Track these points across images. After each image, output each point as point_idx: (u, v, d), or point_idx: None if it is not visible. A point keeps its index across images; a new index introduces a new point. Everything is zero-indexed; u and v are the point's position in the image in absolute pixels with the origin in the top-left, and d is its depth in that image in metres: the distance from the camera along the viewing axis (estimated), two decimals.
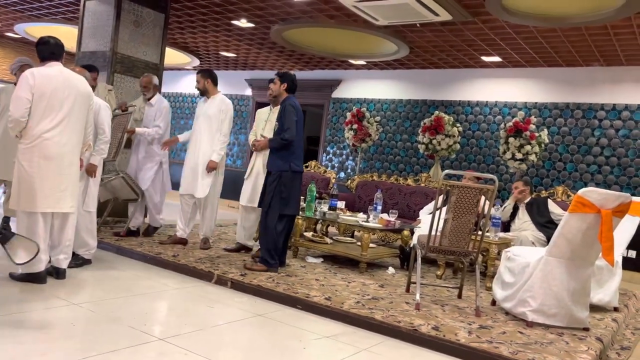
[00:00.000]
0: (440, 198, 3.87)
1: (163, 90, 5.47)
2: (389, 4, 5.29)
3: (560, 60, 6.95)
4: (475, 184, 4.31)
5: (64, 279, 3.69)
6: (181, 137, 5.44)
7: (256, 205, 4.71)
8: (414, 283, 3.94)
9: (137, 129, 5.20)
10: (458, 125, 7.46)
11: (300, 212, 5.05)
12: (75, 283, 3.70)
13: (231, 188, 10.40)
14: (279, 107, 4.81)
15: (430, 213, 4.68)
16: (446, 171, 3.79)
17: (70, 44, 9.02)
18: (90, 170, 3.99)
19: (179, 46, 8.90)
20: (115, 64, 5.93)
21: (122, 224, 5.73)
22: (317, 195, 5.35)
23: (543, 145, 6.69)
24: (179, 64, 10.46)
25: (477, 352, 2.98)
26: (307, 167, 7.64)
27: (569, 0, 5.03)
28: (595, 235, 3.43)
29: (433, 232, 3.78)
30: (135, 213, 5.33)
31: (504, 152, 6.75)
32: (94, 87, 5.07)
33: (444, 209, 3.85)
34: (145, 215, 5.59)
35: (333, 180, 7.20)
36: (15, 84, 3.93)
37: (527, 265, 3.68)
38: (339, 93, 9.23)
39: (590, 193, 3.40)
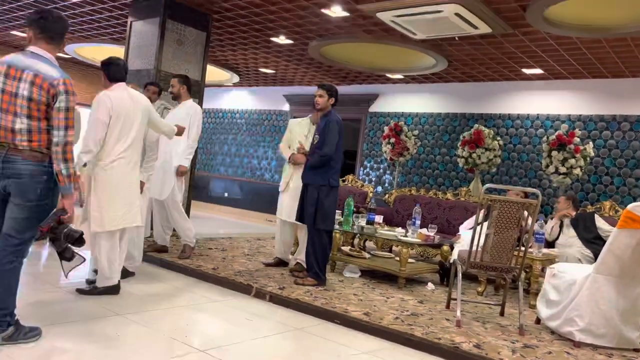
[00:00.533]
0: (482, 212, 3.79)
1: (204, 106, 5.59)
2: (427, 18, 5.28)
3: (606, 72, 6.75)
4: (520, 198, 4.22)
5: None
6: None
7: (293, 219, 4.72)
8: (455, 299, 3.86)
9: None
10: (498, 138, 7.32)
11: (338, 226, 5.05)
12: (119, 295, 3.80)
13: (269, 202, 10.52)
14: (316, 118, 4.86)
15: (471, 228, 4.61)
16: (487, 185, 3.72)
17: None
18: (141, 187, 4.10)
19: (219, 63, 9.13)
20: (159, 82, 6.11)
21: None
22: (354, 209, 5.33)
23: (588, 159, 6.49)
24: (219, 81, 10.71)
25: None
26: (344, 181, 7.65)
27: (613, 10, 4.90)
28: None
29: (474, 248, 3.70)
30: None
31: (547, 166, 6.57)
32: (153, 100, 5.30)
33: (485, 224, 3.78)
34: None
35: (370, 195, 7.17)
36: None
37: (573, 283, 3.55)
38: (377, 107, 9.23)
39: None
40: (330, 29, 6.38)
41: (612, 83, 7.03)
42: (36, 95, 2.46)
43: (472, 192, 6.97)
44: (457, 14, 5.07)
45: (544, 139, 6.75)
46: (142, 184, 4.11)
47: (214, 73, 9.70)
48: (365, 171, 9.26)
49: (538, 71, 7.07)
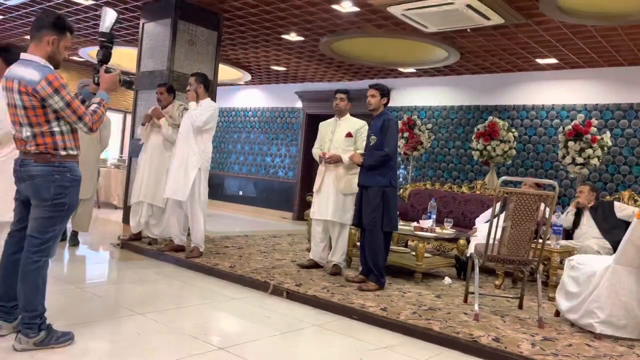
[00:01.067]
0: (498, 205, 3.76)
1: (218, 105, 5.58)
2: (438, 11, 5.24)
3: (622, 60, 6.64)
4: (534, 190, 4.18)
5: None
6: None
7: (325, 217, 4.72)
8: (472, 293, 3.84)
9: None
10: (513, 130, 7.25)
11: None
12: (139, 294, 3.85)
13: (283, 199, 10.56)
14: (345, 117, 4.84)
15: (487, 221, 4.57)
16: (503, 178, 3.69)
17: (130, 65, 9.47)
18: None
19: (231, 62, 9.16)
20: (172, 82, 6.16)
21: None
22: None
23: (606, 149, 6.39)
24: (231, 80, 10.75)
25: None
26: None
27: None
28: None
29: (491, 241, 3.68)
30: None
31: (564, 157, 6.49)
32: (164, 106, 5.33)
33: (502, 217, 3.75)
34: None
35: None
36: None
37: (592, 275, 3.51)
38: (390, 102, 9.19)
39: None
40: (340, 24, 6.36)
41: (628, 71, 6.92)
42: (28, 102, 2.47)
43: (488, 185, 6.91)
44: (468, 6, 5.03)
45: (560, 129, 6.66)
46: None
47: (226, 72, 9.74)
48: None
49: (552, 61, 6.98)
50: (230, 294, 4.08)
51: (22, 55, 2.57)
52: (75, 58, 10.23)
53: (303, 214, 8.51)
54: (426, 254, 5.04)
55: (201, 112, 4.85)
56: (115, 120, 11.13)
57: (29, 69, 2.47)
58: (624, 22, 5.21)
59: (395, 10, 5.42)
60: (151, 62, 6.47)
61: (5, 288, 2.67)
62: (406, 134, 8.02)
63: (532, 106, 7.68)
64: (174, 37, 6.21)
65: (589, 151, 6.26)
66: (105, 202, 9.15)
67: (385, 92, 4.46)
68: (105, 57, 2.81)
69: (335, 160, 4.68)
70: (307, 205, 5.69)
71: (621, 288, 3.37)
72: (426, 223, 4.99)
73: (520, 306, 4.05)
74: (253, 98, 11.38)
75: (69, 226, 5.38)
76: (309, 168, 10.12)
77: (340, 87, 5.18)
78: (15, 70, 2.51)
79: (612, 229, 4.86)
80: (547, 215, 3.74)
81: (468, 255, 4.73)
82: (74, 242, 5.37)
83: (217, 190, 11.37)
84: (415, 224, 5.25)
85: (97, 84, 2.80)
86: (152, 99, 6.03)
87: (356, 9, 5.72)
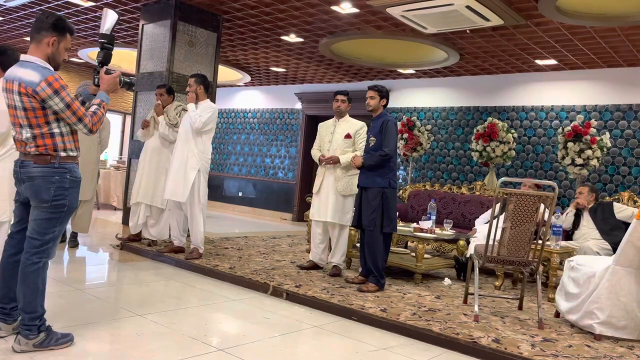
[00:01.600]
0: (497, 206, 3.76)
1: (217, 106, 5.56)
2: (437, 12, 5.25)
3: (621, 61, 6.65)
4: (534, 191, 4.18)
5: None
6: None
7: (324, 219, 4.72)
8: (472, 294, 3.84)
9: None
10: (513, 131, 7.25)
11: None
12: (138, 295, 3.85)
13: (283, 200, 10.56)
14: (345, 119, 4.84)
15: (487, 222, 4.58)
16: (503, 179, 3.69)
17: (129, 66, 9.49)
18: None
19: (230, 63, 9.17)
20: (171, 83, 6.16)
21: None
22: None
23: (605, 150, 6.40)
24: (231, 81, 10.76)
25: None
26: None
27: None
28: None
29: (491, 242, 3.68)
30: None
31: (563, 158, 6.50)
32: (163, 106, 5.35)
33: (501, 218, 3.75)
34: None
35: None
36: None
37: (592, 275, 3.52)
38: (389, 103, 9.20)
39: None
40: (340, 25, 6.37)
41: (627, 72, 6.93)
42: (28, 104, 2.47)
43: (487, 186, 6.92)
44: (467, 7, 5.03)
45: (559, 130, 6.67)
46: None
47: (225, 73, 9.74)
48: None
49: (552, 62, 6.99)
50: (230, 295, 4.08)
51: (22, 57, 2.57)
52: (75, 59, 10.23)
53: (303, 215, 8.51)
54: (426, 255, 5.05)
55: (200, 113, 4.85)
56: (114, 121, 11.14)
57: (28, 70, 2.47)
58: (623, 23, 5.21)
59: (395, 12, 5.42)
60: (151, 64, 6.47)
61: (4, 289, 2.67)
62: (405, 135, 8.03)
63: (531, 107, 7.68)
64: (174, 38, 6.21)
65: (589, 152, 6.26)
66: (105, 203, 9.15)
67: (384, 93, 4.46)
68: (105, 59, 2.81)
69: (334, 162, 4.69)
70: (307, 206, 5.69)
71: (621, 289, 3.37)
72: (426, 224, 4.99)
73: (520, 307, 4.05)
74: (252, 99, 11.39)
75: (69, 227, 5.38)
76: (309, 169, 10.12)
77: (340, 89, 5.17)
78: (15, 71, 2.50)
79: (612, 230, 4.87)
80: (546, 216, 3.74)
81: (468, 256, 4.73)
82: (74, 244, 5.37)
83: (216, 191, 11.38)
84: (414, 225, 5.25)
85: (97, 85, 2.80)
86: (152, 100, 6.04)
87: (356, 10, 5.73)
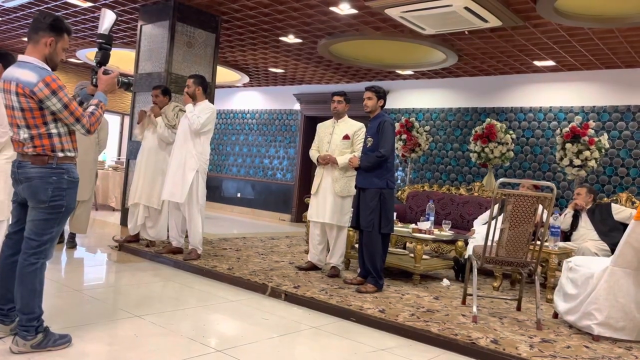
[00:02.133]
0: (496, 207, 3.77)
1: (215, 107, 5.52)
2: (435, 13, 5.25)
3: (619, 62, 6.66)
4: (532, 192, 4.19)
5: None
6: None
7: (322, 220, 4.72)
8: (470, 295, 3.84)
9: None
10: (511, 132, 7.27)
11: None
12: (136, 296, 3.84)
13: (281, 201, 10.55)
14: (343, 120, 4.83)
15: (485, 223, 4.58)
16: (501, 179, 3.70)
17: (128, 67, 9.48)
18: None
19: (229, 64, 9.17)
20: (170, 84, 6.16)
21: None
22: None
23: (603, 151, 6.41)
24: (229, 82, 10.76)
25: None
26: None
27: None
28: None
29: (489, 243, 3.68)
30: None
31: (561, 159, 6.51)
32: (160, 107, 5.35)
33: (500, 219, 3.75)
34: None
35: None
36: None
37: (590, 276, 3.52)
38: (387, 104, 9.10)
39: None
40: (338, 26, 6.37)
41: (625, 73, 6.94)
42: (25, 104, 2.46)
43: (486, 187, 6.92)
44: (466, 8, 5.04)
45: (558, 131, 6.69)
46: None
47: (224, 74, 9.74)
48: None
49: (550, 63, 7.00)
50: (228, 296, 4.07)
51: (20, 57, 2.56)
52: (73, 60, 10.22)
53: (301, 216, 8.51)
54: (424, 256, 5.04)
55: (198, 114, 4.85)
56: (113, 122, 11.12)
57: (26, 70, 2.47)
58: (621, 24, 5.23)
59: (393, 13, 5.43)
60: (149, 64, 6.47)
61: (2, 290, 2.66)
62: (404, 136, 8.04)
63: (529, 108, 7.70)
64: (172, 39, 6.21)
65: (587, 153, 6.27)
66: (103, 204, 9.13)
67: (381, 94, 4.46)
68: (103, 59, 2.81)
69: (331, 162, 4.69)
70: (305, 207, 5.68)
71: (619, 290, 3.37)
72: (424, 225, 4.99)
73: (518, 308, 4.06)
74: (251, 100, 11.38)
75: (67, 228, 5.37)
76: (307, 170, 10.13)
77: (338, 89, 5.17)
78: (13, 71, 2.50)
79: (610, 231, 4.87)
80: (544, 217, 3.75)
81: (466, 257, 4.74)
82: (72, 244, 5.36)
83: (215, 192, 11.37)
84: (413, 226, 5.25)
85: (95, 86, 2.80)
86: (150, 101, 6.03)
87: (354, 11, 5.73)
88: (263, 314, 3.66)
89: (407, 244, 6.27)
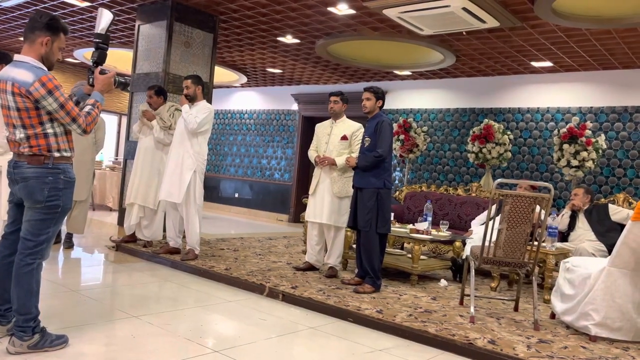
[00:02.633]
0: (494, 208, 3.77)
1: (213, 107, 5.50)
2: (433, 14, 5.26)
3: (617, 63, 6.68)
4: (530, 192, 4.19)
5: None
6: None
7: (319, 220, 4.71)
8: (468, 295, 3.85)
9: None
10: (509, 132, 7.28)
11: None
12: (134, 296, 3.83)
13: (279, 201, 10.55)
14: (342, 120, 4.83)
15: (483, 224, 4.58)
16: (499, 180, 3.70)
17: (125, 67, 9.47)
18: None
19: (227, 64, 9.16)
20: (167, 84, 6.15)
21: None
22: None
23: (600, 151, 6.42)
24: (227, 82, 10.75)
25: None
26: None
27: (622, 0, 4.84)
28: None
29: (487, 243, 3.69)
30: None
31: (559, 160, 6.52)
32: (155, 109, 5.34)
33: (497, 219, 3.76)
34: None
35: None
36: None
37: (588, 277, 3.52)
38: (385, 104, 9.16)
39: None
40: (336, 27, 6.37)
41: (623, 74, 6.96)
42: (21, 104, 2.45)
43: (484, 188, 6.93)
44: (464, 9, 5.04)
45: (555, 132, 6.69)
46: None
47: (221, 74, 9.73)
48: None
49: (547, 64, 7.01)
50: (226, 296, 4.06)
51: (16, 57, 2.55)
52: (70, 60, 10.20)
53: (299, 216, 8.50)
54: (422, 257, 5.05)
55: (195, 114, 4.84)
56: (110, 122, 11.11)
57: (22, 70, 2.46)
58: (619, 25, 5.24)
59: (391, 13, 5.43)
60: (147, 64, 6.45)
61: None
62: (402, 137, 8.04)
63: (527, 109, 7.71)
64: (170, 39, 6.20)
65: (584, 154, 6.29)
66: (101, 204, 9.12)
67: (380, 95, 4.47)
68: (100, 59, 2.80)
69: (329, 163, 4.68)
70: (303, 207, 5.67)
71: (616, 290, 3.38)
72: (422, 225, 4.99)
73: (515, 308, 4.06)
74: (249, 100, 11.38)
75: (64, 228, 5.36)
76: (305, 170, 10.12)
77: (335, 90, 5.17)
78: (9, 71, 2.49)
79: (607, 231, 4.88)
80: (542, 218, 3.75)
81: (464, 257, 4.74)
82: (69, 245, 5.35)
83: (212, 192, 11.35)
84: (411, 226, 5.25)
85: (92, 85, 2.79)
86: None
87: (352, 11, 5.73)
88: (260, 314, 3.65)
89: (405, 245, 6.27)
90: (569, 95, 7.38)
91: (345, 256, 5.12)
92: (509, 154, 7.19)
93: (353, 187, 4.50)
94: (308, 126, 10.00)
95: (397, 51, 7.28)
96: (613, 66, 6.85)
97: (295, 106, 10.53)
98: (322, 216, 4.70)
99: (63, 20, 2.62)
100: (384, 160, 4.29)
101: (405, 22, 5.66)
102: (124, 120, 11.07)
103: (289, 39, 7.09)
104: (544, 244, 4.37)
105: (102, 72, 2.76)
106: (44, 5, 6.64)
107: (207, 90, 6.42)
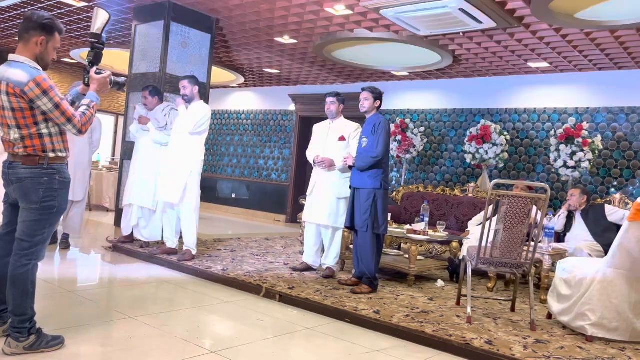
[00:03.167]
0: (490, 208, 3.78)
1: (210, 108, 5.49)
2: (430, 14, 5.26)
3: (612, 64, 6.70)
4: (526, 193, 4.20)
5: None
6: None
7: (318, 221, 4.70)
8: (465, 296, 3.85)
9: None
10: (505, 133, 7.29)
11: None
12: (130, 297, 3.83)
13: (276, 202, 10.54)
14: (339, 120, 4.83)
15: (480, 224, 4.59)
16: (495, 181, 3.71)
17: (122, 67, 9.44)
18: None
19: (224, 64, 9.15)
20: (164, 84, 6.14)
21: None
22: None
23: (597, 152, 6.44)
24: (224, 82, 10.73)
25: None
26: None
27: (619, 1, 4.85)
28: None
29: (483, 244, 3.69)
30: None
31: (555, 160, 6.54)
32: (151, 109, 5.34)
33: (494, 220, 3.76)
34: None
35: None
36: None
37: (584, 277, 3.53)
38: (382, 104, 9.22)
39: None
40: (333, 27, 6.37)
41: (619, 75, 6.98)
42: (16, 104, 2.44)
43: (480, 188, 6.94)
44: (461, 9, 5.05)
45: (552, 132, 6.71)
46: None
47: (219, 74, 9.72)
48: None
49: (544, 65, 7.03)
50: (223, 297, 4.06)
51: (10, 57, 2.54)
52: (67, 60, 10.17)
53: (296, 217, 8.50)
54: (419, 257, 5.05)
55: (193, 115, 4.83)
56: (107, 122, 11.08)
57: (17, 70, 2.45)
58: (615, 26, 5.25)
59: (388, 14, 5.43)
60: (144, 64, 6.44)
61: None
62: (399, 137, 8.05)
63: (524, 109, 7.72)
64: (167, 39, 6.19)
65: (580, 154, 6.30)
66: (97, 204, 9.09)
67: (377, 95, 4.47)
68: (95, 59, 2.79)
69: (328, 165, 4.68)
70: (301, 208, 5.69)
71: (613, 291, 3.39)
72: (419, 226, 5.00)
73: (512, 309, 4.07)
74: (246, 100, 11.37)
75: (60, 229, 5.34)
76: (303, 171, 10.12)
77: (332, 90, 5.17)
78: (3, 71, 2.48)
79: (604, 232, 4.89)
80: (539, 218, 3.76)
81: (461, 258, 4.74)
82: (65, 245, 5.33)
83: (209, 193, 11.34)
84: (408, 226, 5.25)
85: (88, 85, 2.79)
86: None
87: (349, 12, 5.73)
88: (258, 315, 3.65)
89: (402, 245, 6.28)
90: (565, 96, 7.40)
91: (343, 257, 5.11)
92: (506, 155, 7.20)
93: (350, 187, 4.50)
94: (305, 126, 10.00)
95: (394, 52, 7.28)
96: (609, 67, 6.87)
97: (292, 106, 10.53)
98: (320, 217, 4.70)
99: (60, 20, 2.61)
100: (380, 161, 4.29)
101: (402, 23, 5.67)
102: (121, 120, 11.05)
103: (286, 39, 7.09)
104: (540, 245, 4.38)
105: (98, 72, 2.76)
106: (40, 5, 6.62)
107: (204, 91, 6.42)
